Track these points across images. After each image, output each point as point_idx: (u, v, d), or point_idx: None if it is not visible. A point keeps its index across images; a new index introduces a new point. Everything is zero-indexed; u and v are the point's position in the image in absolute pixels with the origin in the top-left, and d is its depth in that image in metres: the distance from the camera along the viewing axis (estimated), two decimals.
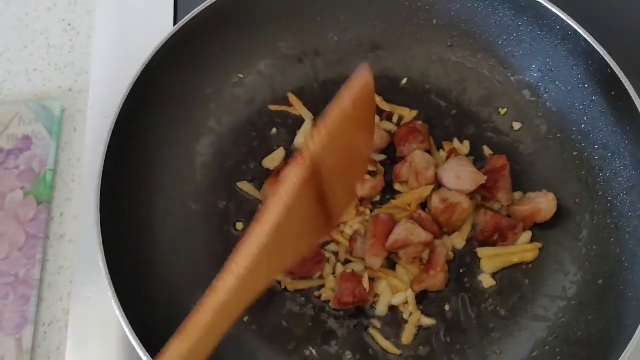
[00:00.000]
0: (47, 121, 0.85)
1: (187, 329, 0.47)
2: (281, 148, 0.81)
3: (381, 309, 0.73)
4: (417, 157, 0.75)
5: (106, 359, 0.72)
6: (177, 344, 0.46)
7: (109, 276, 0.62)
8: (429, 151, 0.79)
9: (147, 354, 0.59)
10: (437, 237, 0.74)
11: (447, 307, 0.72)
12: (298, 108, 0.83)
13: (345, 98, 0.53)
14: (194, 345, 0.46)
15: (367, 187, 0.75)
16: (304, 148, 0.51)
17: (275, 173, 0.78)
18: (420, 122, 0.80)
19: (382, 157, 0.80)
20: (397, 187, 0.77)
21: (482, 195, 0.76)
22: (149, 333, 0.61)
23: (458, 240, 0.75)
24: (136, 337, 0.60)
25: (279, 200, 0.49)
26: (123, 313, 0.60)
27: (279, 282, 0.73)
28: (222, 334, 0.49)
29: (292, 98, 0.83)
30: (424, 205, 0.76)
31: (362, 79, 0.54)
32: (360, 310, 0.73)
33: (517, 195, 0.76)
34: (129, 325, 0.59)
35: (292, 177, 0.49)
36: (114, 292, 0.60)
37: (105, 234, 0.64)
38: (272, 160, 0.80)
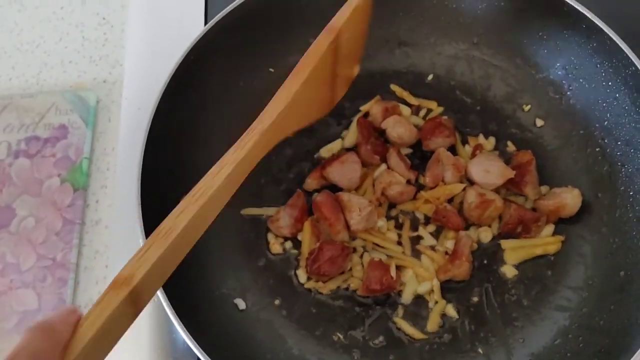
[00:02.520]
0: (82, 111, 0.88)
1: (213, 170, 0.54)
2: (339, 140, 0.83)
3: (407, 297, 0.75)
4: (445, 152, 0.77)
5: (139, 339, 0.75)
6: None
7: None
8: (454, 145, 0.81)
9: (183, 327, 0.61)
10: (460, 229, 0.77)
11: (471, 297, 0.75)
12: None
13: None
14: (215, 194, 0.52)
15: (395, 190, 0.77)
16: (335, 22, 0.61)
17: (321, 167, 0.80)
18: (445, 117, 0.83)
19: (409, 150, 0.82)
20: (422, 180, 0.80)
21: (507, 189, 0.78)
22: (187, 310, 0.63)
23: (485, 234, 0.77)
24: (173, 311, 0.62)
25: (311, 59, 0.59)
26: (164, 294, 0.62)
27: (310, 290, 0.75)
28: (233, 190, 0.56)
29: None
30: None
31: None
32: (386, 298, 0.75)
33: (544, 189, 0.78)
34: (167, 300, 0.62)
35: (323, 42, 0.60)
36: None
37: (145, 219, 0.67)
38: (329, 150, 0.83)
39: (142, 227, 0.66)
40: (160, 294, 0.63)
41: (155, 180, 0.72)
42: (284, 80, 0.86)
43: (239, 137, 0.57)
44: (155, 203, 0.71)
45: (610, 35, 0.72)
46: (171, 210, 0.72)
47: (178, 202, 0.73)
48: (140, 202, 0.67)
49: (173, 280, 0.67)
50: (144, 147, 0.71)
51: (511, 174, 0.75)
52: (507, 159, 0.79)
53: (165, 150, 0.75)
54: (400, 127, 0.79)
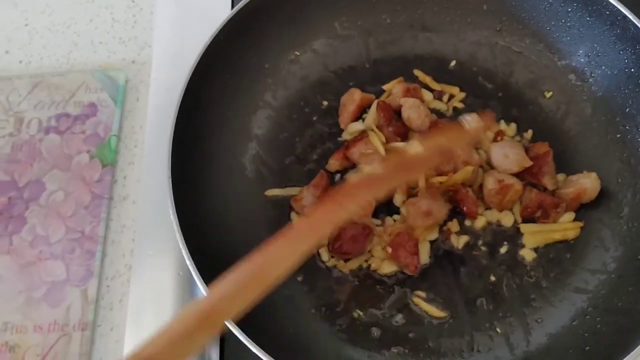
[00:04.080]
0: (111, 90, 0.90)
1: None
2: (361, 120, 0.84)
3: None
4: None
5: (163, 311, 0.76)
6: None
7: (178, 225, 0.66)
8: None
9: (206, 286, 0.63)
10: (474, 217, 0.78)
11: (490, 277, 0.76)
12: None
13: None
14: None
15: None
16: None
17: (345, 148, 0.81)
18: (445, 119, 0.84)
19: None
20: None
21: (524, 179, 0.79)
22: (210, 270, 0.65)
23: (508, 219, 0.78)
24: (199, 276, 0.64)
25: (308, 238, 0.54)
26: (189, 255, 0.64)
27: (329, 268, 0.77)
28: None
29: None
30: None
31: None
32: (405, 279, 0.76)
33: (561, 177, 0.79)
34: (194, 266, 0.64)
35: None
36: (183, 241, 0.65)
37: (175, 191, 0.69)
38: (351, 132, 0.83)
39: (172, 196, 0.68)
40: (189, 263, 0.65)
41: (185, 156, 0.74)
42: (308, 64, 0.89)
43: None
44: (185, 181, 0.73)
45: (635, 21, 0.73)
46: (197, 183, 0.75)
47: (206, 182, 0.77)
48: (171, 178, 0.69)
49: (200, 252, 0.70)
50: (174, 123, 0.72)
51: (528, 163, 0.76)
52: (525, 149, 0.80)
53: (194, 124, 0.77)
54: (413, 112, 0.80)
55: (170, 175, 0.69)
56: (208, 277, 0.66)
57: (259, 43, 0.84)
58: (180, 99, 0.73)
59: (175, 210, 0.67)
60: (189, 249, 0.65)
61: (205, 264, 0.67)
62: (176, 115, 0.72)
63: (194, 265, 0.64)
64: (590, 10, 0.78)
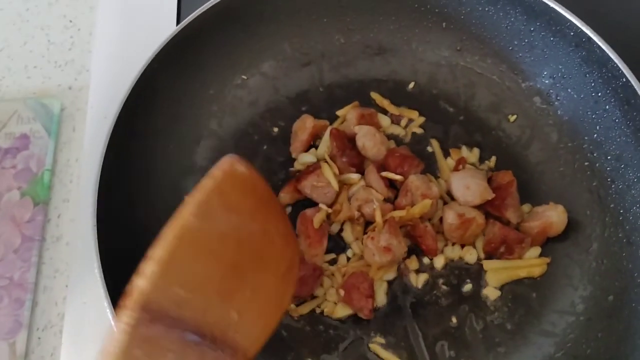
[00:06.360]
0: (45, 120, 0.83)
1: None
2: (313, 149, 0.79)
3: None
4: (415, 182, 0.72)
5: None
6: None
7: (104, 284, 0.60)
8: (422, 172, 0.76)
9: None
10: (434, 255, 0.73)
11: (452, 319, 0.71)
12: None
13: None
14: None
15: (372, 208, 0.73)
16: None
17: (296, 180, 0.75)
18: (403, 146, 0.79)
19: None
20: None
21: (486, 212, 0.74)
22: None
23: (470, 255, 0.73)
24: None
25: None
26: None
27: None
28: None
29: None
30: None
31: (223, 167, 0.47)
32: (360, 323, 0.71)
33: (526, 207, 0.74)
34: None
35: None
36: (110, 301, 0.59)
37: (101, 238, 0.62)
38: (303, 162, 0.78)
39: (98, 246, 0.62)
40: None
41: (117, 199, 0.68)
42: (257, 89, 0.83)
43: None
44: (115, 219, 0.67)
45: (600, 44, 0.68)
46: (130, 227, 0.69)
47: (138, 219, 0.70)
48: (96, 223, 0.63)
49: None
50: (103, 158, 0.66)
51: (490, 195, 0.71)
52: (488, 177, 0.75)
53: (127, 161, 0.71)
54: (368, 140, 0.75)
55: (95, 224, 0.62)
56: None
57: (202, 67, 0.79)
58: (109, 135, 0.67)
59: (100, 266, 0.60)
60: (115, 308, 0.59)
61: None
62: (104, 153, 0.66)
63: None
64: (554, 31, 0.72)
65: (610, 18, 0.81)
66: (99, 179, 0.65)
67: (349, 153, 0.76)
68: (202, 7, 0.75)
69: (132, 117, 0.71)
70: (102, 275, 0.61)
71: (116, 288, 0.61)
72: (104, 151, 0.67)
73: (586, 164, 0.73)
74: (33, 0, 0.93)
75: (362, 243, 0.73)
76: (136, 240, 0.69)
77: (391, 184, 0.75)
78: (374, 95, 0.82)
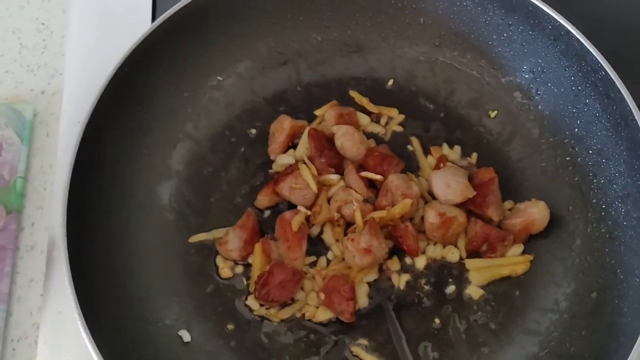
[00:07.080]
0: (17, 126, 0.81)
1: None
2: (292, 150, 0.77)
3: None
4: (395, 181, 0.71)
5: None
6: None
7: (75, 295, 0.58)
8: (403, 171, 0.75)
9: None
10: (415, 255, 0.72)
11: (434, 320, 0.70)
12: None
13: None
14: None
15: (352, 209, 0.71)
16: None
17: (274, 182, 0.74)
18: (383, 145, 0.77)
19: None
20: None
21: (468, 210, 0.73)
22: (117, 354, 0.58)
23: (452, 254, 0.72)
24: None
25: None
26: (90, 335, 0.57)
27: (261, 317, 0.70)
28: None
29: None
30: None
31: None
32: (342, 326, 0.70)
33: (508, 204, 0.73)
34: (96, 348, 0.56)
35: None
36: (81, 312, 0.57)
37: (72, 248, 0.61)
38: (281, 164, 0.77)
39: (68, 256, 0.60)
40: (85, 335, 0.57)
41: (88, 208, 0.67)
42: (233, 90, 0.81)
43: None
44: (86, 227, 0.66)
45: (578, 37, 0.67)
46: (102, 235, 0.67)
47: (111, 226, 0.69)
48: (66, 232, 0.61)
49: (104, 319, 0.62)
50: (72, 165, 0.65)
51: (472, 193, 0.70)
52: (470, 175, 0.74)
53: (99, 167, 0.69)
54: (347, 140, 0.73)
55: (65, 233, 0.61)
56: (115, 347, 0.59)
57: (175, 69, 0.77)
58: (79, 141, 0.66)
59: (71, 276, 0.59)
60: (88, 326, 0.57)
61: (111, 332, 0.60)
62: (73, 161, 0.64)
63: (92, 340, 0.57)
64: (532, 24, 0.71)
65: (589, 11, 0.79)
66: (68, 186, 0.64)
67: (328, 153, 0.75)
68: (174, 7, 0.73)
69: (103, 121, 0.69)
70: (73, 286, 0.59)
71: (89, 298, 0.61)
72: (73, 159, 0.65)
73: (568, 158, 0.73)
74: (3, 2, 0.91)
75: (343, 245, 0.72)
76: (111, 248, 0.69)
77: (371, 184, 0.74)
78: (353, 93, 0.81)
